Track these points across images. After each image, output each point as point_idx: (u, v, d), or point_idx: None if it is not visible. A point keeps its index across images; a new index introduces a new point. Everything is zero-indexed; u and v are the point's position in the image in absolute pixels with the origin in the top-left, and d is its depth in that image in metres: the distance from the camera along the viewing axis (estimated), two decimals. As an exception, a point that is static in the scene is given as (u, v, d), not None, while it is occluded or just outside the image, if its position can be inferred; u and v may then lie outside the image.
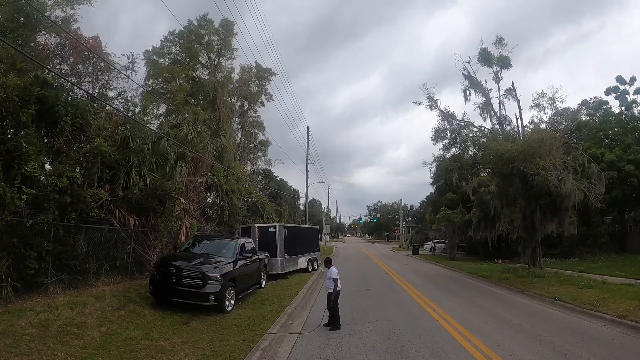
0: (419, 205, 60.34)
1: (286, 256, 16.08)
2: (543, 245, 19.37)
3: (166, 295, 8.73)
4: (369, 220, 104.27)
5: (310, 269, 18.18)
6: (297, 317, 9.12)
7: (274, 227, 16.10)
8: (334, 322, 7.95)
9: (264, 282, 12.84)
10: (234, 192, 20.00)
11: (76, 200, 8.91)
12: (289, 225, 18.89)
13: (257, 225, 16.32)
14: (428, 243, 45.17)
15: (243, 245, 11.07)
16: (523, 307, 11.26)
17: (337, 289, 8.18)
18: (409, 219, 67.19)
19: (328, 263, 8.85)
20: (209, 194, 19.20)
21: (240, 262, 10.19)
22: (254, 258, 11.57)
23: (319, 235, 37.79)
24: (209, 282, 8.50)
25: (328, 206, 75.87)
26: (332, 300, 8.03)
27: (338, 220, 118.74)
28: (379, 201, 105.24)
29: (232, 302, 9.20)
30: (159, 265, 9.27)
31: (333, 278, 8.19)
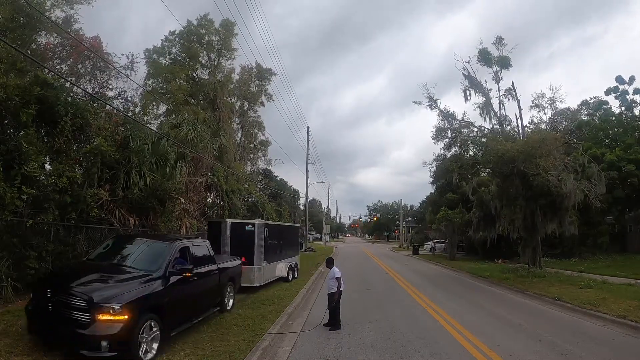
0: (419, 205, 60.40)
1: (265, 263, 12.60)
2: (543, 245, 19.37)
3: (41, 332, 5.51)
4: (369, 220, 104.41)
5: (290, 277, 14.71)
6: (297, 317, 9.11)
7: (253, 224, 12.56)
8: (334, 322, 7.95)
9: (230, 302, 9.14)
10: (234, 192, 20.01)
11: (76, 200, 8.92)
12: (270, 223, 15.57)
13: (229, 220, 12.78)
14: (428, 243, 45.16)
15: (185, 251, 7.24)
16: (523, 307, 11.26)
17: (340, 289, 8.18)
18: (409, 218, 67.20)
19: (330, 263, 8.76)
20: (209, 194, 19.22)
21: (175, 279, 6.47)
22: (206, 270, 7.86)
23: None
24: (101, 316, 5.13)
25: (328, 206, 76.01)
26: (335, 300, 8.01)
27: (338, 220, 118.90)
28: (379, 201, 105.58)
29: (155, 345, 5.75)
30: (36, 285, 6.11)
31: (336, 278, 8.15)
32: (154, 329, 5.80)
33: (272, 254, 13.48)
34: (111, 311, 5.17)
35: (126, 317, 5.25)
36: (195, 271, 7.06)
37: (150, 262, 6.57)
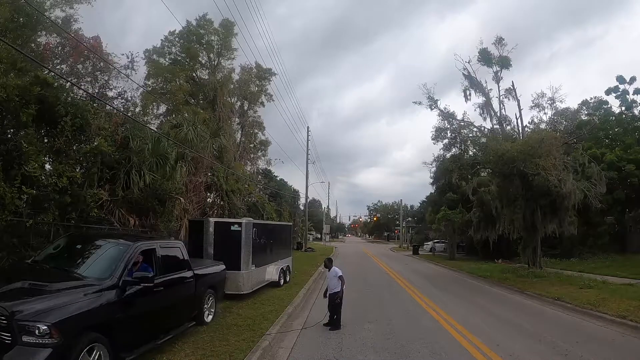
0: (419, 205, 60.38)
1: (253, 267, 11.31)
2: (543, 245, 19.39)
3: None
4: (369, 220, 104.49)
5: (282, 282, 13.23)
6: (297, 317, 9.12)
7: (239, 224, 11.16)
8: (335, 322, 7.93)
9: (210, 316, 7.90)
10: (234, 192, 19.99)
11: (76, 200, 8.92)
12: (259, 222, 13.99)
13: (212, 219, 11.43)
14: (428, 243, 45.19)
15: (150, 254, 6.08)
16: (523, 307, 11.27)
17: (343, 288, 8.13)
18: (409, 219, 67.27)
19: (329, 263, 8.64)
20: (209, 194, 19.21)
21: (132, 289, 5.29)
22: (178, 277, 6.66)
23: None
24: (24, 337, 4.04)
25: (328, 206, 75.74)
26: (340, 297, 7.97)
27: (338, 220, 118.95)
28: (379, 201, 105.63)
29: None
30: None
31: (338, 277, 8.10)
32: (100, 355, 4.65)
33: (262, 256, 12.24)
34: (37, 332, 4.06)
35: (57, 339, 4.12)
36: (161, 279, 5.95)
37: (101, 268, 5.35)
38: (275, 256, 13.62)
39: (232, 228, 11.12)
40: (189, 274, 7.04)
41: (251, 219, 12.97)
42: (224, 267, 9.06)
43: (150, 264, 5.98)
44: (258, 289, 11.71)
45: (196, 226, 11.37)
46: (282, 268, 13.55)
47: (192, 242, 10.62)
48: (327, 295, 8.21)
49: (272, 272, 12.98)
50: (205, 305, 7.73)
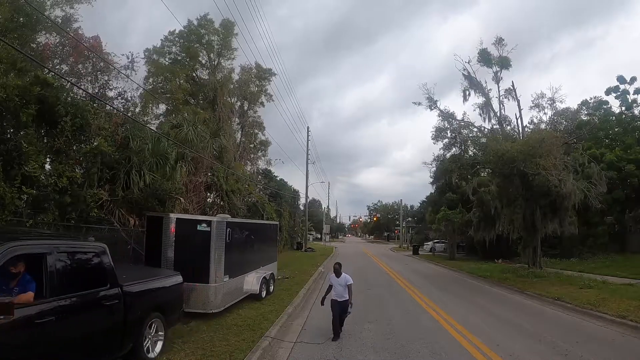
0: (419, 205, 60.33)
1: (227, 279, 8.88)
2: (543, 245, 19.40)
3: None
4: (369, 220, 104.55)
5: (263, 293, 10.81)
6: (297, 317, 9.13)
7: (208, 223, 8.66)
8: (337, 331, 7.37)
9: (157, 344, 5.83)
10: (234, 192, 19.98)
11: (76, 200, 8.92)
12: (237, 221, 11.19)
13: (174, 216, 9.01)
14: (428, 243, 45.18)
15: (40, 262, 4.04)
16: (523, 307, 11.27)
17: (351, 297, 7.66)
18: (409, 219, 67.27)
19: (339, 268, 7.64)
20: (209, 194, 19.21)
21: None
22: (90, 298, 4.59)
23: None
24: None
25: (328, 206, 75.73)
26: (351, 304, 7.47)
27: (338, 220, 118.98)
28: (379, 201, 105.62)
29: None
30: None
31: (348, 285, 7.49)
32: None
33: (239, 263, 9.84)
34: None
35: None
36: (50, 303, 3.97)
37: None
38: (256, 262, 11.39)
39: (199, 228, 8.64)
40: (111, 292, 4.88)
41: (227, 215, 11.03)
42: (179, 279, 6.83)
43: (38, 277, 3.99)
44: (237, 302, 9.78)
45: (154, 224, 8.80)
46: (264, 276, 11.14)
47: (149, 245, 8.80)
48: (331, 302, 7.53)
49: (251, 281, 10.58)
50: (147, 334, 5.59)
